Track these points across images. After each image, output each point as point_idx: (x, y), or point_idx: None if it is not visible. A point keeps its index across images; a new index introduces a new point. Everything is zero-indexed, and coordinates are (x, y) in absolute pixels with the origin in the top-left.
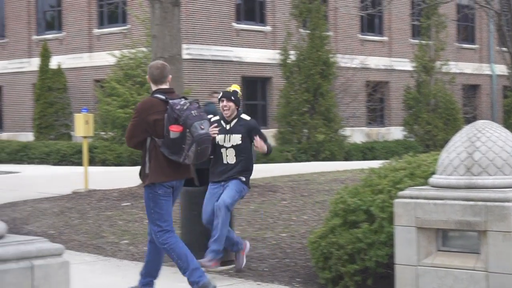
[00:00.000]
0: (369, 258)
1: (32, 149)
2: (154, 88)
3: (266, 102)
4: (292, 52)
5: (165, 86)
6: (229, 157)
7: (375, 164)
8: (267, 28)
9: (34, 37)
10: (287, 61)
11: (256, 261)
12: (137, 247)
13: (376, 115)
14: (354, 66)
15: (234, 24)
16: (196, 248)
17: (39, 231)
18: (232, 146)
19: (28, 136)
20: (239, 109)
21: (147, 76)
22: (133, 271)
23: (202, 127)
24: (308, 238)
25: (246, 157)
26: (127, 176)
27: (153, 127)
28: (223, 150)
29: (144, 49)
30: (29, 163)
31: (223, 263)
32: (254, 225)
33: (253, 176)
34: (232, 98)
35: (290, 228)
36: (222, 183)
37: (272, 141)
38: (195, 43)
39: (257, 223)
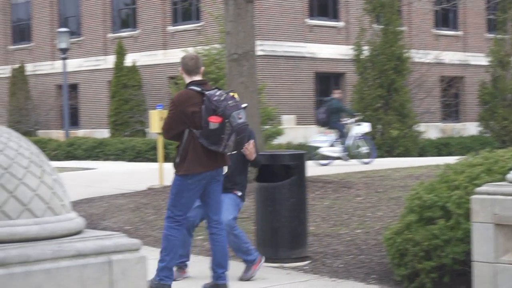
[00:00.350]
0: (445, 255)
1: (108, 146)
2: (188, 79)
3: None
4: (365, 47)
5: (198, 77)
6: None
7: (451, 160)
8: (340, 24)
9: (110, 35)
10: (361, 57)
11: (331, 257)
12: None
13: (451, 110)
14: (428, 61)
15: (307, 20)
16: (271, 244)
17: (115, 227)
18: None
19: (103, 133)
20: None
21: (180, 68)
22: (207, 266)
23: (240, 116)
24: (384, 235)
25: (240, 167)
26: None
27: (191, 119)
28: None
29: (217, 45)
30: (105, 159)
31: (298, 259)
32: (329, 221)
33: (327, 171)
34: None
35: (365, 224)
36: None
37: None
38: (269, 40)
39: (331, 219)
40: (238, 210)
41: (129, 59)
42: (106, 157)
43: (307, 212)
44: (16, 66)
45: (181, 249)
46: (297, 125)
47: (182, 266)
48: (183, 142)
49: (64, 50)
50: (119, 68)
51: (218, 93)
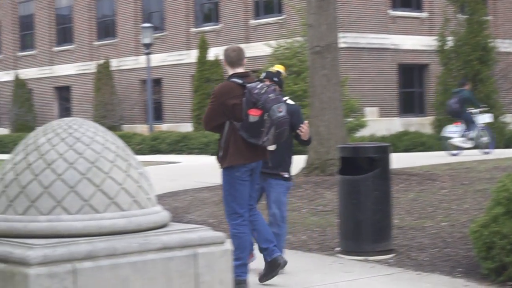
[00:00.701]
0: None
1: (192, 140)
2: (230, 71)
3: (423, 89)
4: (449, 38)
5: (241, 69)
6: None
7: None
8: (424, 15)
9: (192, 29)
10: (445, 48)
11: (415, 250)
12: (295, 236)
13: None
14: None
15: (389, 11)
16: (355, 237)
17: (199, 220)
18: None
19: (187, 127)
20: (282, 92)
21: (223, 60)
22: (292, 259)
23: (280, 110)
24: (470, 228)
25: (286, 144)
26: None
27: (232, 111)
28: None
29: (300, 38)
30: (188, 153)
31: (383, 253)
32: (413, 214)
33: (409, 163)
34: (275, 79)
35: (451, 217)
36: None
37: (429, 129)
38: (351, 31)
39: (416, 212)
40: (287, 194)
41: (212, 53)
42: (189, 150)
43: (391, 205)
44: (101, 61)
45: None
46: (380, 117)
47: (250, 251)
48: (224, 134)
49: (147, 45)
50: (202, 62)
51: (259, 86)
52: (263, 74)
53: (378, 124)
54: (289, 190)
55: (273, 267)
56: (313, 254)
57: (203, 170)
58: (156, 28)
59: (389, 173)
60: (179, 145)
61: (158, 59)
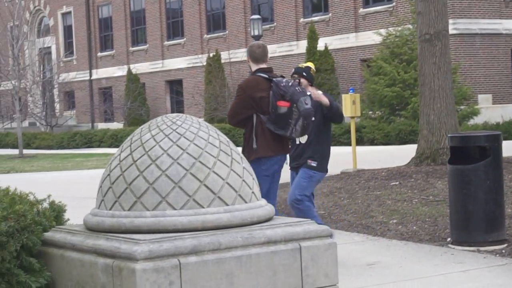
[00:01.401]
0: None
1: None
2: (254, 67)
3: None
4: None
5: (265, 65)
6: (302, 137)
7: None
8: None
9: (301, 20)
10: None
11: None
12: (406, 227)
13: None
14: None
15: None
16: (466, 227)
17: None
18: None
19: None
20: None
21: (247, 56)
22: (402, 250)
23: (307, 102)
24: None
25: (320, 136)
26: (395, 155)
27: (259, 104)
28: None
29: (410, 26)
30: None
31: (495, 243)
32: None
33: None
34: (304, 74)
35: None
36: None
37: None
38: (462, 17)
39: None
40: (311, 183)
41: (321, 43)
42: None
43: (504, 194)
44: (211, 54)
45: None
46: (494, 104)
47: None
48: (251, 127)
49: (257, 37)
50: (312, 53)
51: (285, 80)
52: (293, 70)
53: (492, 111)
54: (316, 181)
55: None
56: (424, 245)
57: None
58: (265, 20)
59: (502, 162)
60: None
61: (269, 50)
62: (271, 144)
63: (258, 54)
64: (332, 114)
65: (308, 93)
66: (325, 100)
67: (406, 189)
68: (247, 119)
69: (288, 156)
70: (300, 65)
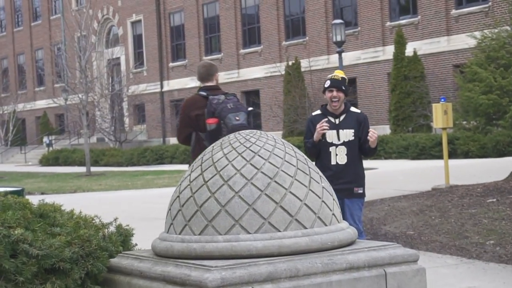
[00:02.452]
0: None
1: (389, 143)
2: (201, 85)
3: None
4: None
5: (210, 83)
6: (339, 156)
7: None
8: None
9: (388, 23)
10: None
11: None
12: (504, 248)
13: None
14: None
15: None
16: None
17: (397, 232)
18: (344, 143)
19: (385, 129)
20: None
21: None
22: (500, 274)
23: (237, 118)
24: None
25: (357, 157)
26: (493, 169)
27: (196, 122)
28: (332, 148)
29: (508, 28)
30: (386, 158)
31: None
32: None
33: None
34: (343, 87)
35: None
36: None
37: None
38: None
39: None
40: (362, 211)
41: (410, 48)
42: (387, 155)
43: None
44: (290, 62)
45: None
46: None
47: None
48: (191, 144)
49: (339, 43)
50: (399, 59)
51: (221, 97)
52: (328, 83)
53: None
54: (363, 205)
55: None
56: None
57: (401, 176)
58: (348, 24)
59: None
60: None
61: (351, 57)
62: None
63: (202, 73)
64: (368, 151)
65: (250, 109)
66: (374, 142)
67: (504, 207)
68: (190, 137)
69: None
70: (334, 77)
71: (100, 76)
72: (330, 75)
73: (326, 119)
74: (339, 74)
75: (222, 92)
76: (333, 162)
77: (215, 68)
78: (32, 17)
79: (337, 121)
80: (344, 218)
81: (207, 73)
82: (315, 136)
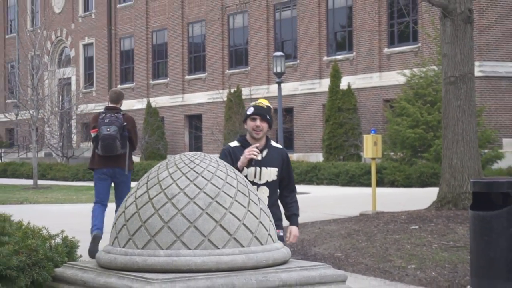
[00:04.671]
0: None
1: (322, 170)
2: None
3: None
4: None
5: (112, 105)
6: (262, 198)
7: None
8: None
9: (325, 58)
10: None
11: None
12: (424, 272)
13: None
14: None
15: None
16: (485, 275)
17: (326, 253)
18: (266, 183)
19: (318, 157)
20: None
21: None
22: None
23: (108, 129)
24: None
25: (277, 197)
26: (416, 198)
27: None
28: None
29: (435, 67)
30: (318, 183)
31: None
32: None
33: None
34: (268, 117)
35: None
36: None
37: None
38: (489, 60)
39: None
40: None
41: (344, 82)
42: (319, 181)
43: None
44: (232, 90)
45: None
46: None
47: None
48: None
49: (279, 74)
50: (334, 91)
51: (108, 114)
52: (251, 110)
53: None
54: None
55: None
56: None
57: (332, 201)
58: (288, 57)
59: None
60: (309, 175)
61: (289, 87)
62: (97, 159)
63: (112, 97)
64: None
65: (125, 124)
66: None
67: (426, 234)
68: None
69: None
70: (259, 104)
71: (51, 94)
72: (253, 102)
73: (257, 144)
74: (264, 102)
75: (118, 111)
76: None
77: (122, 97)
78: None
79: (259, 156)
80: None
81: (115, 98)
82: (240, 162)
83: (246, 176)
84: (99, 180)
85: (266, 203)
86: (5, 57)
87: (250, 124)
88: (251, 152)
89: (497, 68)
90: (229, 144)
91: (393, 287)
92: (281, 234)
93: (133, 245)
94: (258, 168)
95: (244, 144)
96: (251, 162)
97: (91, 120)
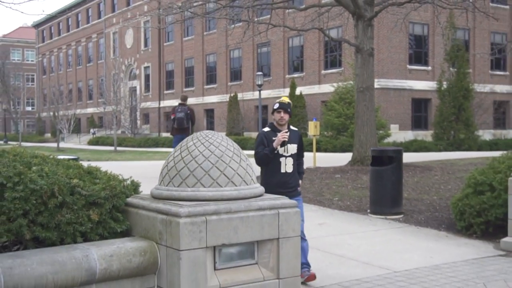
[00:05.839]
0: (491, 214)
1: None
2: (180, 102)
3: (427, 114)
4: (444, 82)
5: (182, 101)
6: (288, 166)
7: (496, 154)
8: (429, 68)
9: (287, 76)
10: (442, 88)
11: (416, 213)
12: (343, 202)
13: (500, 122)
14: (485, 91)
15: (407, 65)
16: (379, 204)
17: None
18: (291, 155)
19: None
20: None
21: None
22: (340, 216)
23: (180, 114)
24: (451, 200)
25: (296, 165)
26: (339, 159)
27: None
28: (282, 159)
29: (351, 82)
30: None
31: (396, 214)
32: (416, 191)
33: (415, 159)
34: (289, 110)
35: (439, 193)
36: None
37: (430, 138)
38: (383, 78)
39: (418, 190)
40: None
41: (298, 91)
42: None
43: (403, 185)
44: (232, 94)
45: None
46: (400, 130)
47: None
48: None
49: (259, 85)
50: (292, 95)
51: (179, 107)
52: (276, 105)
53: (398, 135)
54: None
55: None
56: (353, 213)
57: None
58: (265, 75)
59: (402, 166)
60: None
61: (265, 93)
62: (174, 130)
63: (181, 98)
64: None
65: (188, 112)
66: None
67: (344, 180)
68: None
69: None
70: (282, 101)
71: (125, 96)
72: (278, 100)
73: (286, 129)
74: (285, 99)
75: (185, 105)
76: (282, 171)
77: (187, 97)
78: (87, 61)
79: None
80: None
81: (184, 98)
82: (275, 143)
83: (278, 151)
84: (176, 140)
85: (291, 170)
86: (97, 74)
87: (276, 115)
88: (284, 136)
89: (387, 83)
90: (263, 129)
91: (325, 211)
92: (300, 189)
93: (172, 185)
94: (285, 145)
95: (274, 129)
96: (284, 143)
97: (172, 110)
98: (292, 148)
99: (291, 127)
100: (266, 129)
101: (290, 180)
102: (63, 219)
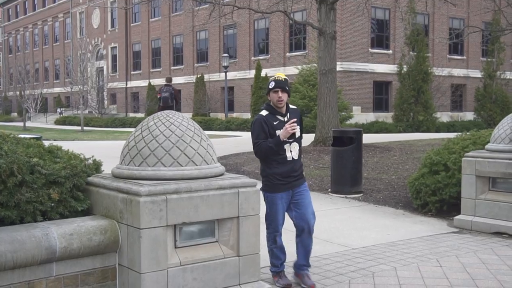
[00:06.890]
0: (445, 193)
1: (249, 122)
2: (165, 83)
3: (388, 96)
4: (405, 66)
5: (167, 82)
6: (294, 152)
7: (453, 135)
8: (390, 51)
9: (252, 58)
10: (402, 71)
11: (375, 192)
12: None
13: (457, 104)
14: (443, 74)
15: (369, 49)
16: (340, 183)
17: (250, 170)
18: (295, 140)
19: (247, 115)
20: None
21: None
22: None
23: (165, 94)
24: (408, 180)
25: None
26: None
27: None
28: (286, 146)
29: (315, 64)
30: (247, 131)
31: (356, 193)
32: (376, 171)
33: (376, 140)
34: (287, 88)
35: (398, 173)
36: (293, 182)
37: (390, 120)
38: (345, 61)
39: (377, 169)
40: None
41: (263, 73)
42: (248, 129)
43: (362, 165)
44: (199, 76)
45: None
46: (361, 112)
47: None
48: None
49: (226, 67)
50: (257, 77)
51: (165, 87)
52: (272, 84)
53: (360, 116)
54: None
55: None
56: (315, 192)
57: None
58: (231, 57)
59: (362, 146)
60: (242, 126)
61: (231, 75)
62: (159, 108)
63: (166, 79)
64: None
65: (172, 92)
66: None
67: (307, 159)
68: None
69: None
70: (278, 78)
71: (91, 76)
72: (273, 77)
73: (295, 119)
74: (281, 75)
75: (170, 85)
76: (289, 158)
77: (171, 79)
78: (53, 40)
79: (285, 118)
80: (303, 204)
81: (169, 79)
82: (283, 134)
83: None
84: None
85: (297, 156)
86: (64, 54)
87: (273, 96)
88: (293, 127)
89: (350, 66)
90: (261, 113)
91: None
92: (304, 174)
93: (133, 164)
94: (295, 137)
95: (273, 112)
96: (293, 135)
97: (158, 89)
98: (297, 131)
99: (290, 105)
100: (264, 112)
101: (296, 166)
102: (22, 198)
